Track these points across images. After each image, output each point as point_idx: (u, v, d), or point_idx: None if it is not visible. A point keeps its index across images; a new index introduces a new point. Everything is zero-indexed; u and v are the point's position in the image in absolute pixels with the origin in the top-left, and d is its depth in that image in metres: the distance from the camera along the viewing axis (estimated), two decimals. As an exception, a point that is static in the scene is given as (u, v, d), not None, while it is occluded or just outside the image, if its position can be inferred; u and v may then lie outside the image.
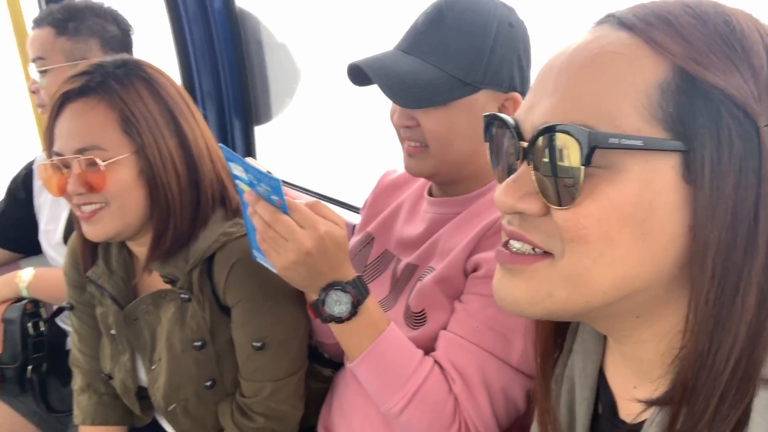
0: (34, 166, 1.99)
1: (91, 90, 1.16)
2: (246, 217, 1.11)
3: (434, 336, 1.15)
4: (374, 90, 1.16)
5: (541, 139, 0.59)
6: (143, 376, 1.35)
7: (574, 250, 0.59)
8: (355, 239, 1.43)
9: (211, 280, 1.24)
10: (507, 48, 1.14)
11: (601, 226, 0.58)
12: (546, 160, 0.59)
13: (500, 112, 1.15)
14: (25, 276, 1.83)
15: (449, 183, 1.24)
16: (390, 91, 1.13)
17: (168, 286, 1.27)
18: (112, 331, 1.34)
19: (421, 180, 1.35)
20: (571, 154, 0.57)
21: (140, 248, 1.28)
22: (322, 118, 2.23)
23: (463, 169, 1.20)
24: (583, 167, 0.56)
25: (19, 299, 1.84)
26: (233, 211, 1.28)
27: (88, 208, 1.18)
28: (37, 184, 1.97)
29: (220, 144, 1.12)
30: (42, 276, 1.84)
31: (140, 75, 1.20)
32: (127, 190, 1.17)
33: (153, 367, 1.30)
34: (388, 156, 1.39)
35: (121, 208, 1.18)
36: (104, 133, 1.16)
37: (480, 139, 1.17)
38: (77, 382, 1.47)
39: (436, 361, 1.10)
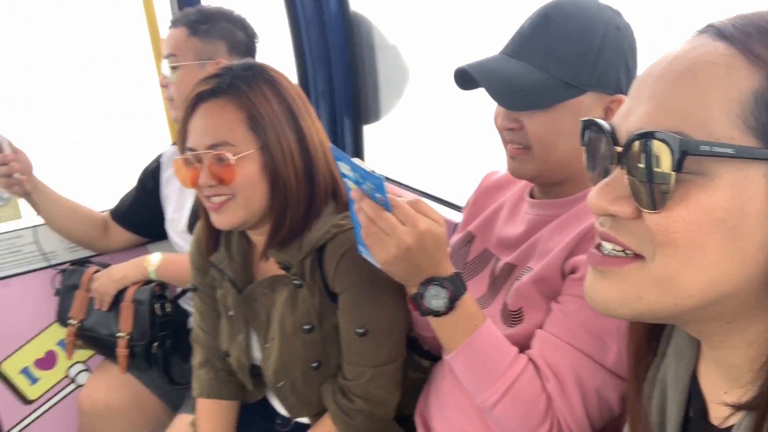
0: (162, 160, 2.16)
1: (221, 91, 1.26)
2: (353, 213, 1.18)
3: (530, 334, 1.17)
4: (478, 93, 1.20)
5: (635, 144, 0.61)
6: (257, 354, 1.46)
7: (665, 253, 0.61)
8: (456, 237, 1.47)
9: (322, 268, 1.33)
10: (614, 50, 1.15)
11: (692, 231, 0.59)
12: (639, 164, 0.61)
13: (606, 114, 1.18)
14: (153, 260, 2.00)
15: (551, 185, 1.26)
16: (496, 93, 1.16)
17: (282, 272, 1.36)
18: (231, 312, 1.45)
19: (523, 182, 1.38)
20: (663, 159, 0.59)
21: (259, 237, 1.38)
22: (429, 118, 2.28)
23: (565, 172, 1.22)
24: (674, 173, 0.58)
25: (147, 282, 2.02)
26: (344, 204, 1.35)
27: (217, 199, 1.28)
28: (165, 175, 2.14)
29: (331, 144, 1.19)
30: (168, 260, 2.00)
31: (265, 77, 1.30)
32: (252, 183, 1.27)
33: (267, 345, 1.40)
34: (492, 156, 1.43)
35: (246, 199, 1.28)
36: (233, 130, 1.26)
37: None
38: (197, 357, 1.60)
39: (530, 359, 1.13)
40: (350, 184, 1.16)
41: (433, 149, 2.28)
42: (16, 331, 2.19)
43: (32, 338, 2.21)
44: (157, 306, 1.99)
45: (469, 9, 1.97)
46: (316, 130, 1.34)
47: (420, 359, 1.52)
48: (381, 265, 1.14)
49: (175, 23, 1.98)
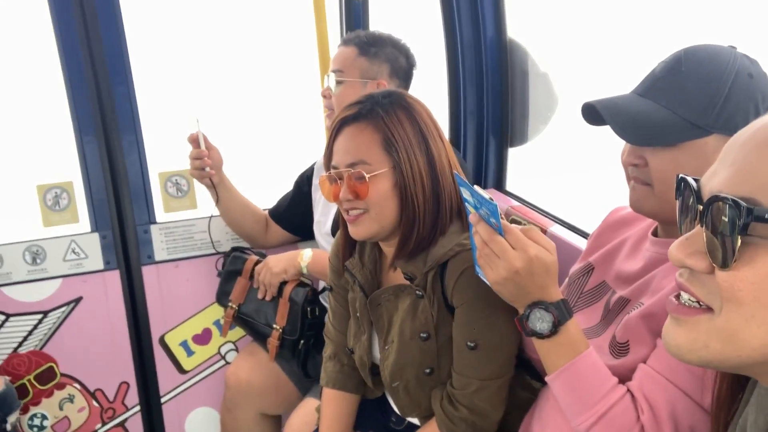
0: (316, 166, 2.37)
1: (362, 116, 1.42)
2: (471, 235, 1.27)
3: (633, 367, 1.20)
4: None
5: (712, 205, 0.66)
6: (378, 354, 1.59)
7: (730, 309, 0.66)
8: (576, 266, 1.52)
9: (443, 282, 1.43)
10: (743, 96, 1.17)
11: (755, 291, 0.63)
12: (715, 224, 0.66)
13: None
14: (305, 256, 2.19)
15: (673, 223, 1.28)
16: (619, 127, 1.21)
17: (407, 282, 1.48)
18: (357, 314, 1.60)
19: (649, 220, 1.39)
20: (732, 222, 0.63)
21: (389, 248, 1.51)
22: (571, 146, 2.31)
23: None
24: (740, 236, 0.63)
25: (302, 284, 2.23)
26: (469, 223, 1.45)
27: (354, 212, 1.44)
28: (316, 181, 2.34)
29: (454, 171, 1.30)
30: (318, 257, 2.19)
31: (401, 104, 1.43)
32: (384, 199, 1.41)
33: (386, 347, 1.53)
34: (623, 191, 1.45)
35: (379, 213, 1.42)
36: (370, 150, 1.40)
37: None
38: (327, 350, 1.76)
39: (629, 390, 1.16)
40: (470, 208, 1.25)
41: (573, 178, 2.30)
42: (181, 308, 2.50)
43: (193, 315, 2.51)
44: (309, 309, 2.20)
45: (618, 44, 1.99)
46: (446, 152, 1.46)
47: (531, 380, 1.57)
48: (491, 285, 1.22)
49: (346, 42, 2.17)
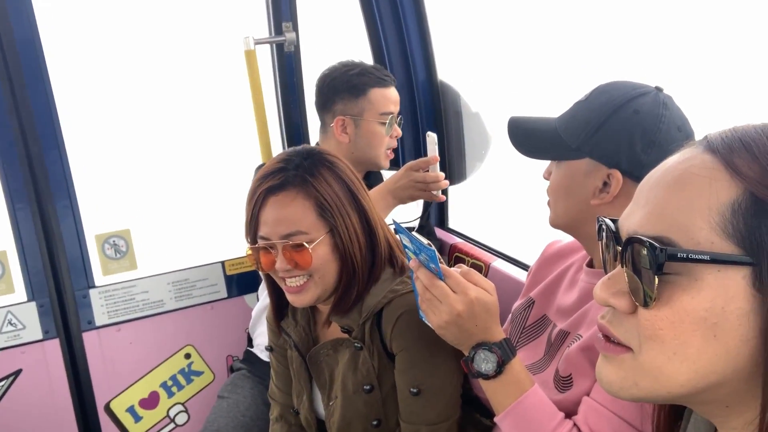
0: None
1: (289, 184, 1.37)
2: (413, 281, 1.28)
3: (578, 400, 1.22)
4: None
5: (630, 245, 0.68)
6: (323, 412, 1.57)
7: (651, 347, 0.67)
8: (518, 302, 1.54)
9: (380, 330, 1.42)
10: (619, 128, 1.21)
11: (675, 329, 0.65)
12: (634, 263, 0.67)
13: (605, 185, 1.25)
14: None
15: (581, 238, 1.34)
16: (513, 136, 1.34)
17: (344, 335, 1.47)
18: (296, 373, 1.58)
19: (584, 252, 1.43)
20: (650, 262, 0.65)
21: (324, 305, 1.50)
22: (508, 182, 2.36)
23: (579, 231, 1.31)
24: (656, 276, 0.64)
25: None
26: (400, 268, 1.46)
27: (294, 282, 1.40)
28: None
29: (393, 219, 1.31)
30: None
31: (324, 163, 1.41)
32: (325, 264, 1.39)
33: (330, 404, 1.51)
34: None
35: (321, 278, 1.40)
36: (304, 219, 1.36)
37: (584, 203, 1.27)
38: (273, 412, 1.72)
39: (575, 424, 1.18)
40: (410, 254, 1.26)
41: (511, 211, 2.35)
42: (126, 373, 2.42)
43: (139, 379, 2.44)
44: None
45: (547, 82, 2.06)
46: (372, 203, 1.46)
47: (482, 418, 1.57)
48: (435, 329, 1.23)
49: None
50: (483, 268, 2.18)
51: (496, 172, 2.41)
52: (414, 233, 1.22)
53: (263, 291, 2.30)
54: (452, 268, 1.23)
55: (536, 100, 2.19)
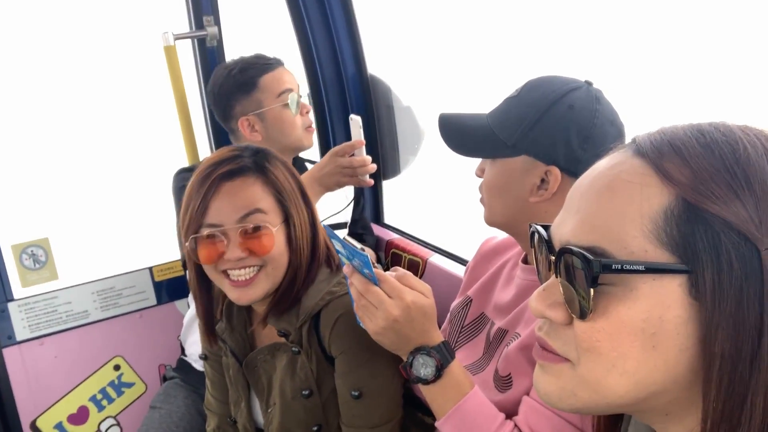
0: None
1: (247, 169, 1.34)
2: (348, 287, 1.25)
3: (518, 400, 1.21)
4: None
5: (563, 256, 0.65)
6: (261, 420, 1.51)
7: (589, 359, 0.64)
8: (456, 301, 1.52)
9: (318, 333, 1.39)
10: (555, 124, 1.20)
11: (613, 341, 0.62)
12: (569, 275, 0.64)
13: (543, 181, 1.24)
14: None
15: (516, 235, 1.33)
16: (446, 135, 1.30)
17: (282, 339, 1.42)
18: (233, 380, 1.52)
19: (519, 247, 1.42)
20: (582, 274, 0.62)
21: (260, 306, 1.45)
22: (442, 175, 2.34)
23: (519, 228, 1.29)
24: (591, 288, 0.61)
25: None
26: (336, 267, 1.43)
27: (244, 273, 1.33)
28: None
29: (324, 224, 1.27)
30: None
31: (275, 156, 1.40)
32: (281, 254, 1.35)
33: (269, 411, 1.46)
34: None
35: (273, 270, 1.35)
36: (264, 200, 1.34)
37: (523, 201, 1.25)
38: (210, 424, 1.66)
39: (516, 425, 1.16)
40: (344, 259, 1.23)
41: (447, 204, 2.34)
42: (52, 388, 2.30)
43: (66, 394, 2.32)
44: None
45: (477, 74, 2.05)
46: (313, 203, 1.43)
47: (424, 417, 1.55)
48: (372, 336, 1.20)
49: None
50: (420, 264, 2.16)
51: (429, 166, 2.39)
52: (346, 237, 1.19)
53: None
54: (387, 272, 1.20)
55: (468, 93, 2.18)
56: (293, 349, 1.40)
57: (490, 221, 1.32)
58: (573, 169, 1.20)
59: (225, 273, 1.35)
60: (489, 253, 1.53)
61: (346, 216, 2.35)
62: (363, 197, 2.58)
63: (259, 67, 2.10)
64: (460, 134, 1.28)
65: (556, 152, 1.21)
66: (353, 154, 1.91)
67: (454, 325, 1.47)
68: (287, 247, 1.36)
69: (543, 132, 1.21)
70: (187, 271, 1.49)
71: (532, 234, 0.74)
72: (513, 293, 1.35)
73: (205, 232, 1.33)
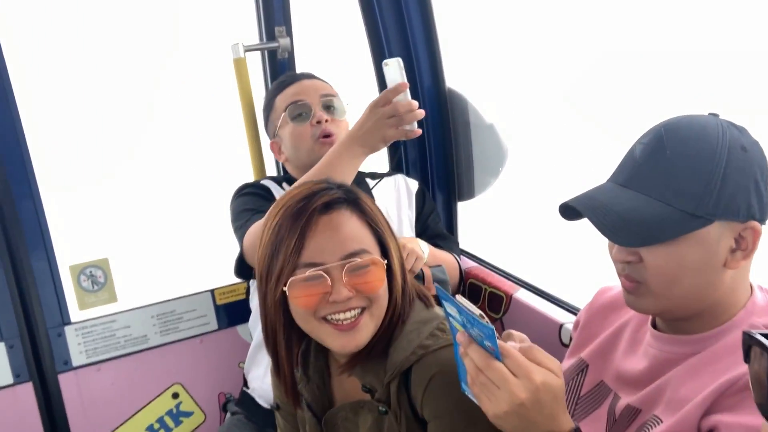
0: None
1: (342, 201, 1.22)
2: (457, 354, 1.08)
3: None
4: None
5: None
6: None
7: None
8: (567, 363, 1.34)
9: (409, 392, 1.23)
10: (741, 174, 1.04)
11: None
12: None
13: (737, 242, 1.06)
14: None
15: (677, 319, 1.13)
16: (609, 230, 1.08)
17: (365, 396, 1.27)
18: None
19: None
20: None
21: (341, 357, 1.29)
22: (528, 201, 2.16)
23: (694, 306, 1.10)
24: None
25: None
26: (429, 301, 1.31)
27: (349, 315, 1.19)
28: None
29: (436, 284, 1.10)
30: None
31: (357, 188, 1.28)
32: (384, 292, 1.22)
33: None
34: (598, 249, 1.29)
35: (378, 310, 1.22)
36: (365, 237, 1.22)
37: (714, 272, 1.06)
38: None
39: None
40: (456, 325, 1.06)
41: (532, 233, 2.16)
42: (108, 417, 2.19)
43: (123, 423, 2.21)
44: None
45: (568, 97, 1.87)
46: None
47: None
48: (490, 418, 1.03)
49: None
50: (504, 299, 1.98)
51: (513, 190, 2.21)
52: (462, 299, 1.02)
53: (257, 326, 2.05)
54: (509, 343, 1.03)
55: (552, 111, 2.00)
56: (380, 408, 1.24)
57: (659, 309, 1.13)
58: (765, 217, 1.06)
59: (324, 319, 1.21)
60: (604, 308, 1.34)
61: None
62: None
63: (277, 86, 2.02)
64: (626, 224, 1.06)
65: (751, 204, 1.04)
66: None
67: (569, 395, 1.28)
68: (386, 287, 1.24)
69: (734, 186, 1.03)
70: (262, 321, 1.33)
71: (749, 347, 0.59)
72: (645, 365, 1.16)
73: (306, 272, 1.18)
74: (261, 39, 2.18)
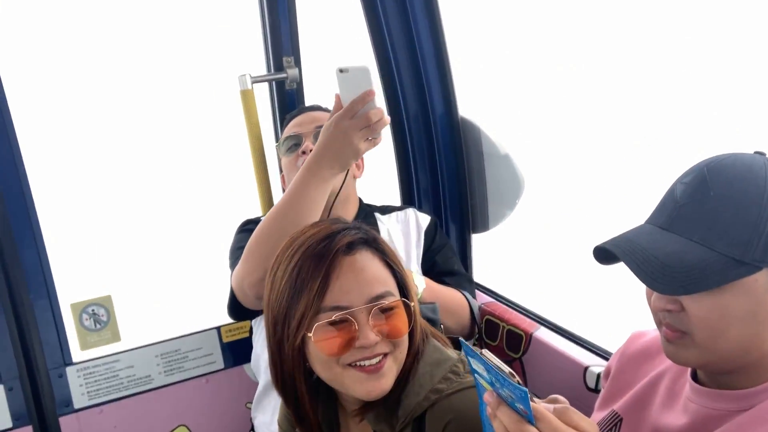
0: None
1: (363, 242, 1.18)
2: (482, 411, 1.00)
3: None
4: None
5: None
6: None
7: None
8: (598, 415, 1.25)
9: None
10: None
11: None
12: None
13: None
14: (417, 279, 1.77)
15: (722, 373, 1.05)
16: (649, 277, 0.99)
17: None
18: None
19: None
20: None
21: (354, 402, 1.22)
22: (545, 236, 2.08)
23: (739, 360, 1.01)
24: None
25: None
26: (443, 341, 1.27)
27: (374, 361, 1.14)
28: None
29: (461, 340, 1.02)
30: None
31: (371, 229, 1.24)
32: (406, 337, 1.17)
33: None
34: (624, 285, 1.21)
35: (401, 353, 1.18)
36: (389, 279, 1.18)
37: (763, 324, 0.98)
38: None
39: None
40: (483, 383, 0.98)
41: (552, 269, 2.07)
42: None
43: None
44: None
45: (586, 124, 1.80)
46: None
47: None
48: (521, 486, 0.94)
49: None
50: (523, 338, 1.90)
51: (529, 223, 2.13)
52: (489, 354, 0.94)
53: (265, 369, 1.95)
54: (542, 403, 0.95)
55: (571, 141, 1.93)
56: None
57: (702, 362, 1.04)
58: None
59: (348, 365, 1.15)
60: (638, 355, 1.26)
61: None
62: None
63: (286, 120, 1.97)
64: (668, 270, 0.98)
65: None
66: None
67: (603, 451, 1.20)
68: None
69: None
70: (273, 369, 1.25)
71: None
72: (685, 421, 1.07)
73: (332, 316, 1.12)
74: (269, 69, 2.12)
